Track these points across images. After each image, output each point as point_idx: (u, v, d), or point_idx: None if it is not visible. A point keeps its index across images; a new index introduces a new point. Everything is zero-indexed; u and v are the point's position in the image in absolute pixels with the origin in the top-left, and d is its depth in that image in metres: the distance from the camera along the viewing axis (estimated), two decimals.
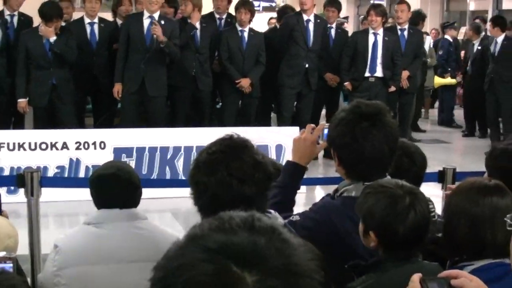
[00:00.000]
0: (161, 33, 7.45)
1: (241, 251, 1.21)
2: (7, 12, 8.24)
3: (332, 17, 9.36)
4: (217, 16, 9.04)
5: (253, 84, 8.49)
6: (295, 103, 8.95)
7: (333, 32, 9.34)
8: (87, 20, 8.31)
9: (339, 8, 9.52)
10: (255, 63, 8.54)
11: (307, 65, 8.69)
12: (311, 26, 8.71)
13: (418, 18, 10.65)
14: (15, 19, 8.29)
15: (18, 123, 8.35)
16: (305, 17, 8.69)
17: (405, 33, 9.36)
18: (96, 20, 8.33)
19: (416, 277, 1.96)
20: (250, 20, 8.56)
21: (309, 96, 8.86)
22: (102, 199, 3.11)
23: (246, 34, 8.50)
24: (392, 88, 8.96)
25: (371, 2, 23.49)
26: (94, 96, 8.38)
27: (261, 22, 9.07)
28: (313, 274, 1.23)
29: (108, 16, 8.94)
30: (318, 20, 8.84)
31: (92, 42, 8.26)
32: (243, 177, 2.27)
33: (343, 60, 8.99)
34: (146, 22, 7.62)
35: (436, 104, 13.30)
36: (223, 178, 2.26)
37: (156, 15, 7.61)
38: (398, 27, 9.36)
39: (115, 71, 7.75)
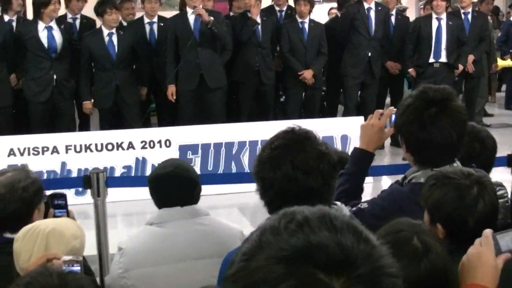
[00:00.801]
0: (205, 13, 7.42)
1: (328, 255, 1.04)
2: (69, 16, 8.35)
3: (392, 2, 9.22)
4: (277, 9, 9.00)
5: (316, 76, 8.42)
6: (359, 92, 8.84)
7: (393, 19, 9.18)
8: (146, 20, 8.37)
9: None
10: (317, 54, 8.46)
11: (369, 54, 8.55)
12: (372, 14, 8.58)
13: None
14: (78, 22, 8.42)
15: (84, 125, 8.47)
16: (366, 5, 8.56)
17: (469, 16, 9.13)
18: (155, 19, 8.38)
19: (488, 231, 1.91)
20: (310, 11, 8.48)
21: (373, 86, 8.73)
22: (162, 199, 3.09)
23: (306, 26, 8.43)
24: (457, 71, 8.77)
25: None
26: (155, 94, 8.40)
27: (322, 13, 8.95)
28: (398, 273, 1.08)
29: (170, 14, 8.94)
30: (379, 8, 8.70)
31: (151, 42, 8.32)
32: (308, 169, 2.21)
33: (406, 47, 8.82)
34: (191, 18, 7.62)
35: (504, 88, 12.98)
36: (288, 172, 2.20)
37: None
38: (462, 10, 9.13)
39: (166, 73, 7.73)
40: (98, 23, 8.12)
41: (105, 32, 7.62)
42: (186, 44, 7.53)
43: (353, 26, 8.55)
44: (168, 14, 8.98)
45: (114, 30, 7.63)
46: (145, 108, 8.14)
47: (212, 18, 7.40)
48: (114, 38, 7.63)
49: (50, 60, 7.47)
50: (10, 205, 2.70)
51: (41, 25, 7.44)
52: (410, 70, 8.78)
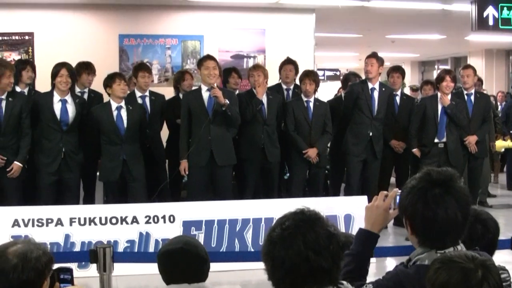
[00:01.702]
0: (221, 95, 7.53)
1: None
2: (77, 89, 8.48)
3: (397, 82, 9.45)
4: (284, 87, 9.15)
5: (320, 154, 8.51)
6: (362, 171, 8.88)
7: (398, 98, 9.36)
8: (138, 94, 8.54)
9: (403, 73, 9.64)
10: (322, 132, 8.58)
11: (371, 133, 8.70)
12: (376, 94, 8.75)
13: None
14: (85, 96, 8.53)
15: (88, 198, 8.51)
16: (370, 85, 8.74)
17: (472, 97, 9.23)
18: (147, 93, 8.58)
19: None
20: (315, 90, 8.64)
21: (374, 165, 8.81)
22: (170, 275, 3.12)
23: (311, 104, 8.57)
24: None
25: (436, 68, 23.58)
26: (150, 168, 8.38)
27: (326, 91, 9.16)
28: None
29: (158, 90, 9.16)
30: (383, 89, 8.87)
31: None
32: (319, 249, 2.28)
33: (411, 126, 8.96)
34: (205, 95, 7.71)
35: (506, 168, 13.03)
36: (300, 251, 2.26)
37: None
38: (465, 92, 9.26)
39: (180, 148, 7.79)
40: (106, 97, 8.25)
41: (114, 105, 7.74)
42: (199, 120, 7.64)
43: (357, 105, 8.71)
44: (161, 90, 9.24)
45: (123, 104, 7.76)
46: (154, 183, 8.18)
47: (227, 101, 7.54)
48: (123, 113, 7.75)
49: (61, 132, 7.58)
50: (23, 274, 2.73)
51: (56, 97, 7.60)
52: (414, 150, 8.88)
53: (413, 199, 2.68)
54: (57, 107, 7.59)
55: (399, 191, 2.85)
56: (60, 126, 7.59)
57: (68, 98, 7.66)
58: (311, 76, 8.57)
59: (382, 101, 8.77)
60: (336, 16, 12.49)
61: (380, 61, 8.80)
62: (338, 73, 20.13)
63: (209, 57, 7.77)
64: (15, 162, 7.42)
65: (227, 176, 7.90)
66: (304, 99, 8.58)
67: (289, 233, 2.31)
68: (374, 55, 8.82)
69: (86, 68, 8.59)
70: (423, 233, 2.69)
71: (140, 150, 7.90)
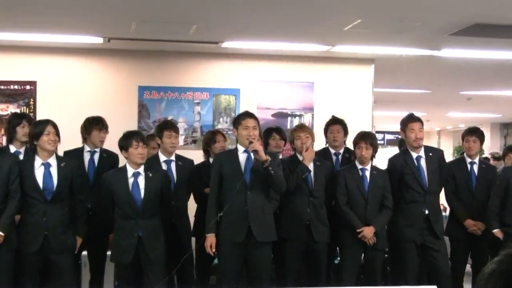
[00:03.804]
0: (262, 150, 7.50)
1: None
2: (87, 149, 8.57)
3: (474, 148, 9.37)
4: (332, 151, 9.17)
5: (378, 234, 8.44)
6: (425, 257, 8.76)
7: (475, 167, 9.31)
8: (162, 158, 8.55)
9: (481, 137, 9.53)
10: (380, 208, 8.53)
11: (427, 211, 8.59)
12: (423, 163, 8.68)
13: None
14: (96, 157, 8.60)
15: (95, 282, 8.49)
16: (413, 154, 8.70)
17: None
18: (173, 157, 8.58)
19: None
20: (373, 156, 8.62)
21: (438, 247, 8.64)
22: None
23: (368, 173, 8.53)
24: None
25: None
26: (174, 247, 8.32)
27: (386, 158, 9.11)
28: None
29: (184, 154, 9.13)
30: (430, 154, 8.81)
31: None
32: None
33: (491, 201, 8.87)
34: (242, 156, 7.69)
35: None
36: None
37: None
38: None
39: (206, 219, 7.67)
40: (122, 160, 8.25)
41: (130, 171, 7.71)
42: (233, 186, 7.54)
43: (403, 181, 8.65)
44: (188, 153, 9.28)
45: (141, 170, 7.71)
46: (172, 265, 8.16)
47: (269, 157, 7.49)
48: (141, 181, 7.69)
49: (44, 202, 7.48)
50: None
51: (37, 161, 7.56)
52: (496, 231, 8.76)
53: (494, 286, 2.65)
54: (38, 172, 7.52)
55: None
56: (43, 195, 7.48)
57: (52, 161, 7.61)
58: (367, 138, 8.55)
59: (432, 169, 8.69)
60: (399, 68, 12.59)
61: (422, 123, 8.76)
62: (400, 136, 20.17)
63: (248, 115, 7.79)
64: None
65: (267, 257, 7.76)
66: (359, 166, 8.56)
67: None
68: (414, 118, 8.76)
69: (97, 123, 8.65)
70: None
71: (160, 226, 7.82)
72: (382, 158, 9.74)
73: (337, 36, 10.18)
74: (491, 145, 23.13)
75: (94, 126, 8.63)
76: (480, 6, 8.25)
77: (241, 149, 7.72)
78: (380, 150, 9.22)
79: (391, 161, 8.95)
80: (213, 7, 8.40)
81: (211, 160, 8.83)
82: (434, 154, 8.89)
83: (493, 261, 2.76)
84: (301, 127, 8.85)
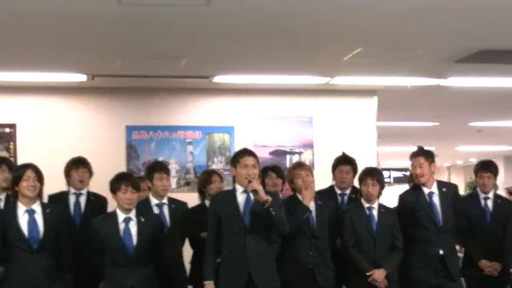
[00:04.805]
0: (262, 190, 7.47)
1: None
2: (72, 191, 8.62)
3: (488, 184, 9.38)
4: (338, 191, 9.20)
5: (389, 277, 8.44)
6: None
7: (490, 203, 9.34)
8: (154, 201, 8.52)
9: (495, 171, 9.55)
10: (390, 248, 8.54)
11: (441, 252, 8.62)
12: (436, 200, 8.72)
13: None
14: (83, 200, 8.64)
15: None
16: (425, 190, 8.74)
17: None
18: (165, 200, 8.55)
19: None
20: (380, 194, 8.64)
21: None
22: None
23: (375, 212, 8.55)
24: None
25: None
26: None
27: (393, 197, 9.12)
28: None
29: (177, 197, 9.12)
30: (444, 189, 8.85)
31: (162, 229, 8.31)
32: None
33: (508, 239, 8.92)
34: (241, 197, 7.67)
35: None
36: None
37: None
38: None
39: (203, 265, 7.65)
40: (111, 204, 8.24)
41: (121, 217, 7.68)
42: (231, 230, 7.53)
43: (415, 219, 8.68)
44: (181, 196, 9.27)
45: (132, 215, 7.69)
46: None
47: (270, 197, 7.45)
48: (133, 226, 7.66)
49: (30, 252, 7.49)
50: None
51: (21, 209, 7.58)
52: None
53: None
54: (23, 220, 7.53)
55: None
56: (28, 244, 7.49)
57: (36, 207, 7.64)
58: (374, 174, 8.58)
59: (446, 206, 8.73)
60: (403, 99, 12.65)
61: (430, 158, 8.77)
62: (408, 173, 20.20)
63: (247, 152, 7.77)
64: None
65: None
66: (366, 205, 8.57)
67: None
68: (420, 152, 8.79)
69: (73, 163, 8.75)
70: None
71: (154, 274, 7.81)
72: (389, 197, 9.74)
73: (337, 67, 10.25)
74: (505, 180, 23.17)
75: (70, 166, 8.73)
76: (484, 32, 8.34)
77: (239, 189, 7.70)
78: (387, 188, 9.23)
79: (402, 197, 8.98)
80: (203, 39, 8.47)
81: (206, 202, 8.85)
82: (448, 190, 8.92)
83: None
84: (300, 164, 8.89)
